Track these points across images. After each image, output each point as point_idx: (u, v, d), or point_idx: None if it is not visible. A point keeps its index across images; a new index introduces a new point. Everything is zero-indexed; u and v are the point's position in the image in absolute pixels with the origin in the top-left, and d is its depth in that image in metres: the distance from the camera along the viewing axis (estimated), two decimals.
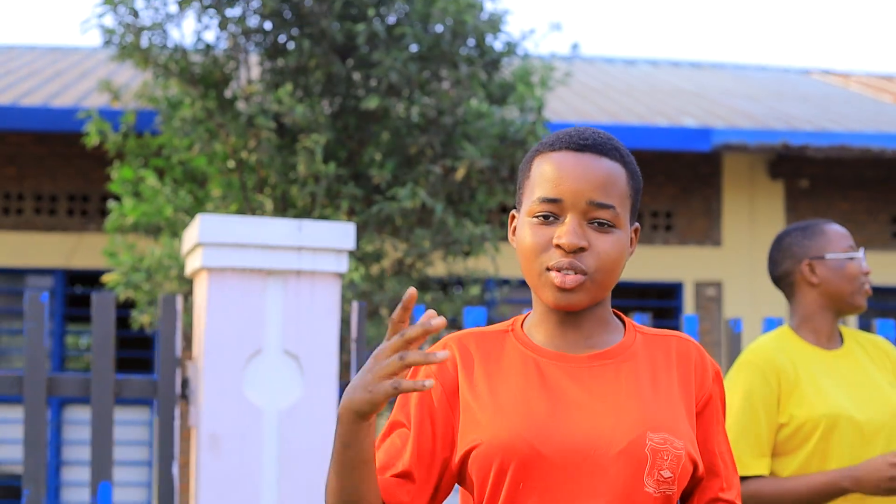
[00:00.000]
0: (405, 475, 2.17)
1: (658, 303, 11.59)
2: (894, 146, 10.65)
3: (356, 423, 2.01)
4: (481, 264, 8.59)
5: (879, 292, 11.35)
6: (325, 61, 6.95)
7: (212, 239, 4.37)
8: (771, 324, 4.79)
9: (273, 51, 7.19)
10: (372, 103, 6.77)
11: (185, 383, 4.57)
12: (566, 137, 2.24)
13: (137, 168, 7.57)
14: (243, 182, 7.19)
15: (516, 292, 10.16)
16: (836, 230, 3.59)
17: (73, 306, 10.73)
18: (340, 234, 4.50)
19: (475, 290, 7.28)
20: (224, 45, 7.24)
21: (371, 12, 6.81)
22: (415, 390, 1.92)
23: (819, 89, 14.06)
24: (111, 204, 7.56)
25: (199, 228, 4.35)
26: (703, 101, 12.48)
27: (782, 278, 3.69)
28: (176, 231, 7.19)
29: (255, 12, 7.03)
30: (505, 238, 7.85)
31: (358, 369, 4.60)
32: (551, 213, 2.20)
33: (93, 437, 4.46)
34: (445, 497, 2.24)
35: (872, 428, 3.48)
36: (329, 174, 6.80)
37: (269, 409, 4.42)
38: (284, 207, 7.15)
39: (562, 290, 2.17)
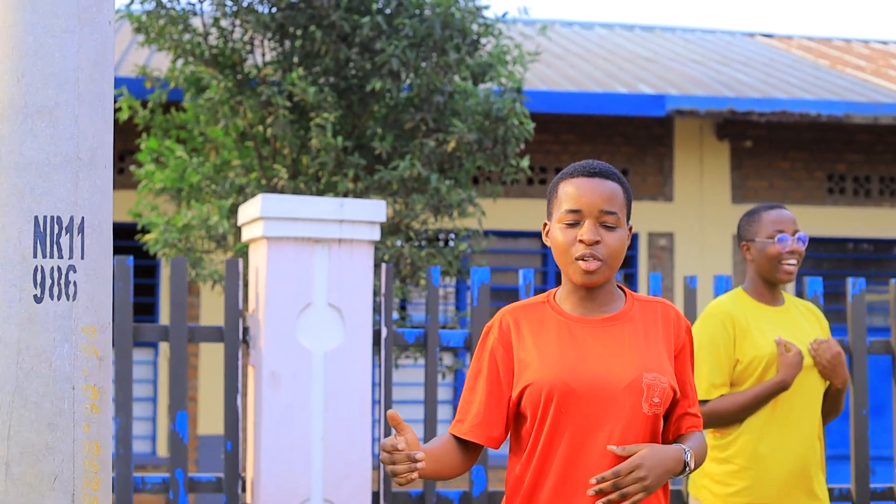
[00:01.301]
0: (482, 419, 3.21)
1: None
2: (829, 111, 11.76)
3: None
4: (467, 223, 9.63)
5: (816, 242, 12.48)
6: (333, 48, 7.92)
7: (271, 214, 5.39)
8: (720, 280, 5.87)
9: (282, 36, 8.15)
10: (375, 85, 7.77)
11: (245, 330, 5.61)
12: (581, 168, 3.29)
13: (162, 139, 8.55)
14: (259, 153, 8.17)
15: (496, 244, 11.19)
16: (770, 217, 4.68)
17: None
18: (374, 209, 5.53)
19: (462, 246, 8.32)
20: (239, 31, 8.19)
21: (374, 6, 7.80)
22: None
23: (763, 54, 15.14)
24: (138, 170, 8.52)
25: (262, 205, 5.37)
26: (656, 67, 13.53)
27: (740, 250, 4.81)
28: (199, 196, 8.19)
29: (270, 3, 7.98)
30: (486, 197, 8.90)
31: (386, 318, 5.66)
32: (575, 220, 3.24)
33: (171, 374, 5.50)
34: (509, 431, 3.29)
35: (809, 366, 4.64)
36: (337, 146, 7.79)
37: (317, 352, 5.46)
38: (295, 175, 8.15)
39: (586, 272, 3.22)
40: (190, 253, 8.07)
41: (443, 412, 8.95)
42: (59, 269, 2.91)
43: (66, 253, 2.93)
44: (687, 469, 3.21)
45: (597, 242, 3.22)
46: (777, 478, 4.55)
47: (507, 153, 8.03)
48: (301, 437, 5.42)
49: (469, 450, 3.29)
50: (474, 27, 8.26)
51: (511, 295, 11.46)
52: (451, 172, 8.13)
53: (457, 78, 8.04)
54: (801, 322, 4.73)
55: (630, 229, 3.33)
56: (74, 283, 2.93)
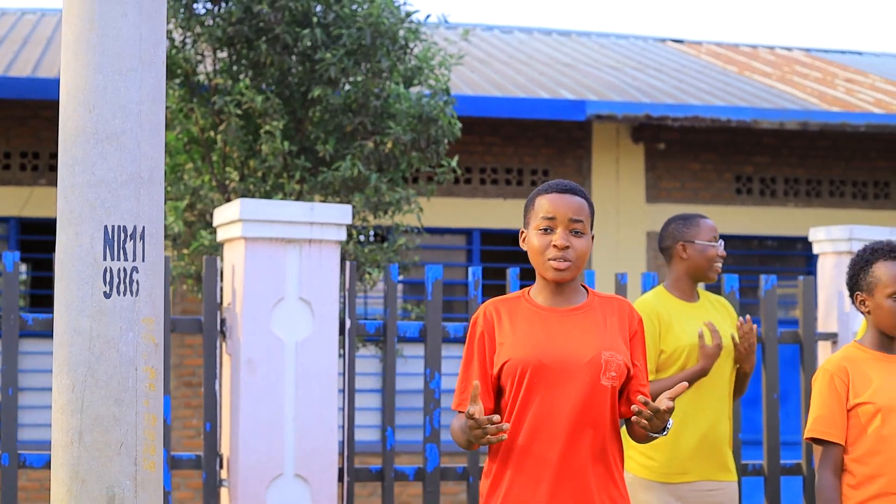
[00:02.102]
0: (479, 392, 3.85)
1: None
2: (738, 117, 12.52)
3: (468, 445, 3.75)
4: (405, 220, 10.23)
5: (724, 240, 13.21)
6: (277, 59, 8.48)
7: (248, 216, 5.96)
8: (647, 276, 6.53)
9: (231, 48, 8.69)
10: (317, 92, 8.35)
11: (223, 322, 6.17)
12: (555, 186, 3.92)
13: None
14: (210, 157, 8.72)
15: (428, 240, 11.79)
16: (708, 224, 5.35)
17: (25, 251, 12.14)
18: (341, 212, 6.12)
19: (402, 240, 8.94)
20: (190, 43, 8.72)
21: (314, 19, 8.39)
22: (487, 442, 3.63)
23: (674, 59, 15.90)
24: None
25: (241, 208, 5.94)
26: (574, 73, 14.22)
27: (665, 250, 5.46)
28: None
29: (221, 18, 8.51)
30: (419, 195, 9.51)
31: (350, 311, 6.25)
32: (549, 227, 3.87)
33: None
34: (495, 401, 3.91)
35: (723, 354, 5.31)
36: (284, 150, 8.36)
37: (289, 341, 6.04)
38: (244, 177, 8.70)
39: (557, 270, 3.86)
40: None
41: (401, 400, 9.54)
42: (124, 270, 3.48)
43: (130, 256, 3.49)
44: (665, 431, 3.82)
45: (567, 247, 3.86)
46: (690, 451, 5.24)
47: (438, 152, 8.67)
48: (274, 418, 6.00)
49: None
50: (401, 33, 8.86)
51: (447, 289, 12.09)
52: (388, 172, 8.74)
53: (389, 83, 8.66)
54: (714, 315, 5.41)
55: (592, 237, 3.97)
56: (137, 282, 3.50)
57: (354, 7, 8.40)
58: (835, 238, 7.08)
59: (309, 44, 8.29)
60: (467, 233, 12.99)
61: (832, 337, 7.07)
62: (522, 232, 4.00)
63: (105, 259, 3.48)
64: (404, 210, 8.88)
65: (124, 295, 3.49)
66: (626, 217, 13.27)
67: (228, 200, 8.67)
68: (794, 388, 8.25)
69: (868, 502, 4.18)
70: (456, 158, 8.74)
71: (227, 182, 8.67)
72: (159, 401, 3.56)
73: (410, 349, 11.36)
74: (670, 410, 3.68)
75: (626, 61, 15.33)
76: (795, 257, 13.93)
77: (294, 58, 8.57)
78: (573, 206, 3.90)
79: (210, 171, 8.69)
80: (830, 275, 7.10)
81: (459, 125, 8.71)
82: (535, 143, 13.03)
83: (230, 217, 6.09)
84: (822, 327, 7.15)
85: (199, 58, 8.77)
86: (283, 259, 6.04)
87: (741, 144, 13.51)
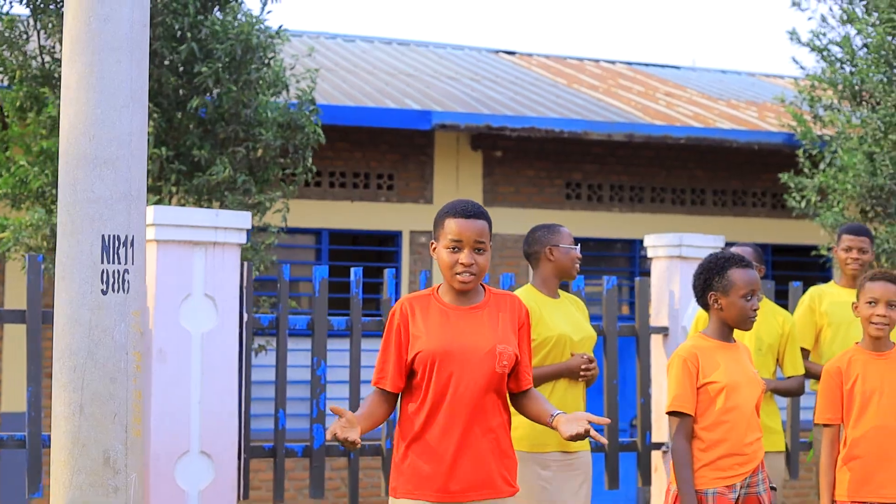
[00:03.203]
0: (394, 376, 4.66)
1: (381, 248, 14.18)
2: (571, 128, 13.56)
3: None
4: (272, 219, 10.97)
5: None
6: (156, 72, 9.19)
7: (161, 221, 6.69)
8: (505, 276, 7.44)
9: None
10: (195, 103, 9.09)
11: None
12: (462, 211, 4.75)
13: (3, 151, 9.68)
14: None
15: (282, 239, 12.54)
16: (566, 231, 6.27)
17: None
18: (242, 219, 6.89)
19: (271, 238, 9.74)
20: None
21: (189, 35, 9.13)
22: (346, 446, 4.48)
23: (508, 71, 16.91)
24: None
25: (154, 214, 6.66)
26: (417, 83, 15.12)
27: (532, 254, 6.35)
28: (42, 201, 9.33)
29: None
30: (291, 197, 10.27)
31: (247, 306, 7.02)
32: (456, 247, 4.72)
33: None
34: (406, 382, 4.73)
35: (581, 342, 6.22)
36: (161, 155, 9.07)
37: (196, 333, 6.78)
38: None
39: (463, 282, 4.71)
40: (37, 250, 9.19)
41: (293, 391, 10.26)
42: (117, 271, 4.24)
43: (122, 260, 4.25)
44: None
45: (472, 265, 4.71)
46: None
47: (304, 158, 9.52)
48: (183, 402, 6.74)
49: (388, 398, 4.73)
50: (257, 42, 9.66)
51: (297, 285, 12.97)
52: (257, 175, 9.54)
53: (259, 93, 9.46)
54: (572, 310, 6.35)
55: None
56: (128, 282, 4.26)
57: (226, 23, 9.16)
58: (667, 244, 8.09)
59: (186, 58, 9.02)
60: (317, 233, 13.76)
61: (664, 330, 8.08)
62: (433, 243, 4.83)
63: (102, 262, 4.23)
64: (274, 211, 9.68)
65: (118, 292, 4.25)
66: None
67: None
68: (630, 376, 9.27)
69: (716, 462, 5.15)
70: (309, 162, 9.62)
71: None
72: (142, 380, 4.32)
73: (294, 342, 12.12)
74: (589, 430, 4.57)
75: (463, 72, 16.29)
76: (618, 258, 15.05)
77: (170, 70, 9.28)
78: (477, 229, 4.74)
79: None
80: (663, 276, 8.12)
81: (322, 134, 9.57)
82: (381, 149, 13.87)
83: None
84: (654, 322, 8.15)
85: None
86: (191, 259, 6.78)
87: (571, 153, 14.56)
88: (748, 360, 5.34)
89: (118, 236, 4.25)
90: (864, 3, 11.63)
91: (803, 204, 11.98)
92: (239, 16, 9.34)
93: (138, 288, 4.29)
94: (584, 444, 6.29)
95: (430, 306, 4.80)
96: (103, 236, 4.23)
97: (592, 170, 14.70)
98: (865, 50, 11.57)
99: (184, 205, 9.32)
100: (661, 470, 8.02)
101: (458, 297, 4.80)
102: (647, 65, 19.07)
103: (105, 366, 4.26)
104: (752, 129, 14.49)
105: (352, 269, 7.28)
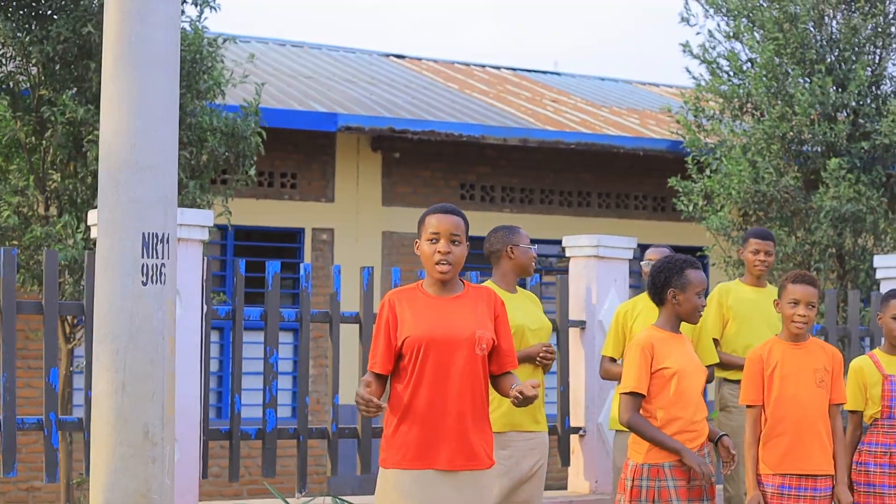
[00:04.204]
0: (383, 360, 5.25)
1: (284, 244, 14.67)
2: (469, 132, 14.25)
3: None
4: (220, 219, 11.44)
5: None
6: (99, 76, 9.61)
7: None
8: (395, 271, 8.06)
9: (59, 66, 9.75)
10: None
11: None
12: (440, 209, 5.35)
13: None
14: (31, 161, 9.76)
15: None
16: (524, 232, 6.90)
17: None
18: (204, 216, 7.40)
19: (214, 236, 10.25)
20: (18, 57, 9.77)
21: None
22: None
23: (401, 75, 17.52)
24: None
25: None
26: (317, 85, 15.65)
27: (493, 253, 6.95)
28: None
29: (50, 38, 9.56)
30: (233, 196, 10.76)
31: (206, 298, 7.52)
32: (435, 238, 5.31)
33: (46, 341, 7.18)
34: (395, 364, 5.31)
35: (538, 331, 6.88)
36: None
37: None
38: (64, 178, 9.78)
39: (441, 272, 5.30)
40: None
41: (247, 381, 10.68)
42: (156, 265, 4.76)
43: (160, 255, 4.78)
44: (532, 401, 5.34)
45: (448, 252, 5.31)
46: (508, 407, 6.80)
47: (245, 165, 10.03)
48: None
49: (379, 379, 5.30)
50: (206, 53, 10.16)
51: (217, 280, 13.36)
52: (200, 178, 10.03)
53: (205, 102, 9.94)
54: (529, 304, 6.99)
55: (468, 245, 5.43)
56: (164, 274, 4.78)
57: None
58: (585, 245, 8.78)
59: None
60: (223, 229, 14.21)
61: (581, 324, 8.77)
62: (417, 242, 5.42)
63: (143, 257, 4.75)
64: (217, 213, 10.19)
65: (156, 283, 4.77)
66: (365, 217, 14.79)
67: (48, 200, 9.74)
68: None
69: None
70: (252, 171, 10.14)
71: (50, 182, 9.73)
72: (174, 362, 4.86)
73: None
74: (536, 394, 5.19)
75: (360, 75, 16.85)
76: None
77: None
78: (452, 223, 5.35)
79: (34, 172, 9.73)
80: (581, 274, 8.80)
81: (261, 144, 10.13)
82: (286, 149, 14.37)
83: (91, 220, 7.31)
84: (572, 316, 8.82)
85: (22, 73, 9.79)
86: None
87: (466, 155, 15.22)
88: (692, 349, 6.04)
89: (156, 234, 4.76)
90: (747, 21, 12.48)
91: (691, 207, 12.80)
92: (186, 25, 9.78)
93: (172, 280, 4.81)
94: (542, 426, 6.91)
95: (415, 297, 5.38)
96: (143, 234, 4.74)
97: (486, 172, 15.39)
98: (750, 64, 12.43)
99: None
100: (578, 452, 8.70)
101: (440, 289, 5.38)
102: (529, 71, 19.83)
103: (145, 349, 4.77)
104: (638, 136, 15.32)
105: (267, 263, 7.80)
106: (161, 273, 4.78)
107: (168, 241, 4.81)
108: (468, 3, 48.65)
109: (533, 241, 7.04)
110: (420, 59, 19.23)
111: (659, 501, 5.79)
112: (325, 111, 13.85)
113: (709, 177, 12.71)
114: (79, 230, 9.34)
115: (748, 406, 6.37)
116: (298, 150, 14.47)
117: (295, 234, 14.58)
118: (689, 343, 6.09)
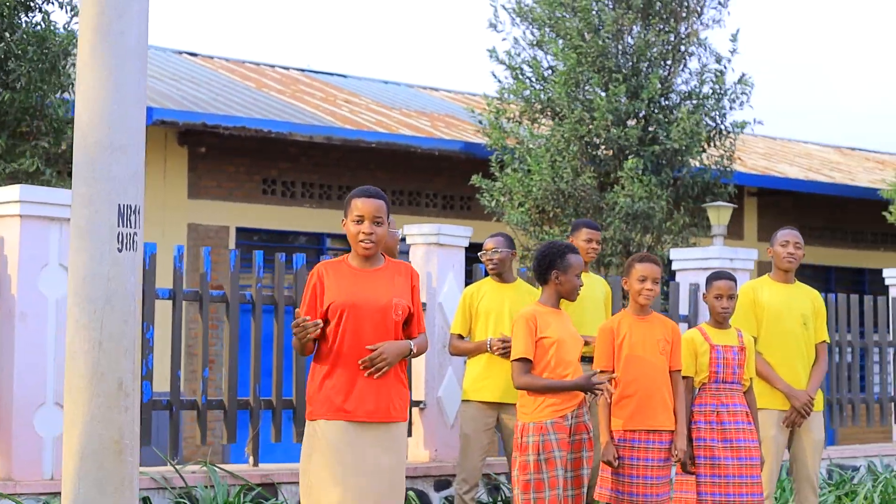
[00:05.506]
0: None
1: None
2: (277, 129, 14.85)
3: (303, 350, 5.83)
4: None
5: (250, 232, 15.48)
6: None
7: (26, 198, 7.59)
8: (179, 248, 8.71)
9: None
10: (5, 96, 9.88)
11: None
12: (364, 191, 6.05)
13: None
14: None
15: None
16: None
17: None
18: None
19: None
20: None
21: (8, 35, 9.93)
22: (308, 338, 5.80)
23: (201, 73, 17.95)
24: None
25: (20, 192, 7.55)
26: None
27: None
28: None
29: None
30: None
31: None
32: (360, 219, 6.00)
33: None
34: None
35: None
36: None
37: (51, 298, 7.72)
38: None
39: (365, 248, 6.00)
40: None
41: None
42: (130, 234, 5.31)
43: (132, 225, 5.32)
44: (411, 353, 6.06)
45: (372, 234, 6.01)
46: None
47: None
48: (39, 358, 7.66)
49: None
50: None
51: None
52: (58, 167, 10.41)
53: (70, 94, 10.35)
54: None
55: (389, 223, 6.11)
56: (136, 242, 5.34)
57: (36, 28, 9.99)
58: (426, 233, 9.55)
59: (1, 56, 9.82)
60: None
61: (423, 306, 9.53)
62: (343, 220, 6.09)
63: (118, 226, 5.28)
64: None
65: (129, 250, 5.32)
66: (171, 210, 15.22)
67: None
68: None
69: (551, 397, 6.67)
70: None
71: None
72: (141, 322, 5.42)
73: None
74: (381, 354, 5.95)
75: (161, 71, 17.23)
76: (307, 250, 16.40)
77: None
78: (376, 206, 6.04)
79: None
80: (422, 259, 9.57)
81: None
82: None
83: (9, 198, 7.71)
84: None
85: None
86: (48, 233, 7.71)
87: (269, 151, 15.81)
88: (570, 323, 6.90)
89: (129, 206, 5.30)
90: (550, 30, 13.48)
91: (493, 203, 13.72)
92: (59, 28, 10.12)
93: (142, 248, 5.37)
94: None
95: (341, 269, 6.05)
96: (119, 205, 5.26)
97: (287, 168, 16.00)
98: (551, 71, 13.44)
99: None
100: (418, 424, 9.46)
101: (363, 262, 6.07)
102: (317, 72, 20.49)
103: (120, 310, 5.28)
104: (433, 137, 16.18)
105: (175, 247, 8.33)
106: (133, 241, 5.32)
107: (139, 213, 5.35)
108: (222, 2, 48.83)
109: (333, 236, 7.80)
110: (212, 58, 19.66)
111: (544, 452, 6.62)
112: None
113: (508, 175, 13.65)
114: None
115: (601, 371, 7.26)
116: None
117: None
118: (568, 318, 6.95)
